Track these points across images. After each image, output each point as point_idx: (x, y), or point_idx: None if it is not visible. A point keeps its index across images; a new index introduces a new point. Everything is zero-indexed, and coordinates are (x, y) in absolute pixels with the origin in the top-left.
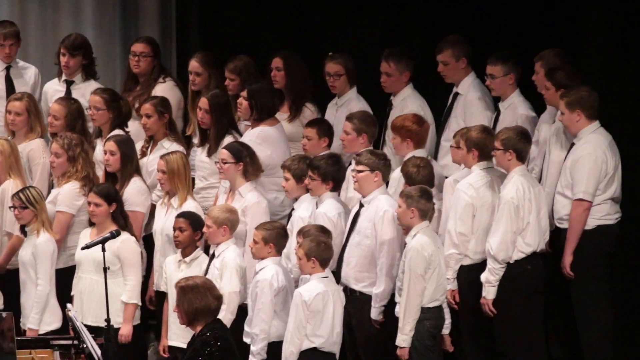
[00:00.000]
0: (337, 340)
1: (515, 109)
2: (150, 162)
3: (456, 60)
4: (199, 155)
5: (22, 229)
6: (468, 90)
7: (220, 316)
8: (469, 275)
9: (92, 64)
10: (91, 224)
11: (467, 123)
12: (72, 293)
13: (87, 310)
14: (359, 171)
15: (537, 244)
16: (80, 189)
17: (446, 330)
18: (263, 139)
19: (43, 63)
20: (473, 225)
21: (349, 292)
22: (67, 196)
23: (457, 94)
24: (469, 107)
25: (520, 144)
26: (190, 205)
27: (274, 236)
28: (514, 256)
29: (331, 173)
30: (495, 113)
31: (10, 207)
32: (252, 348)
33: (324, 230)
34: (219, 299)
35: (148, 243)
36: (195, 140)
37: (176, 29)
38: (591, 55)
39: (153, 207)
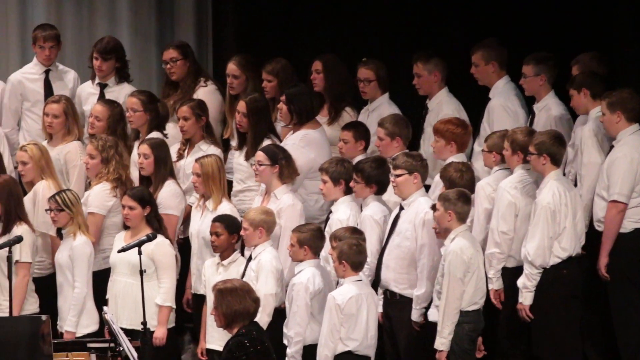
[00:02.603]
0: (372, 344)
1: (549, 110)
2: (187, 165)
3: (485, 63)
4: (237, 159)
5: (59, 231)
6: (494, 95)
7: (256, 318)
8: (512, 278)
9: (125, 67)
10: (125, 226)
11: (490, 128)
12: (107, 296)
13: (122, 313)
14: (397, 175)
15: (573, 249)
16: (111, 190)
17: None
18: (307, 142)
19: (79, 66)
20: (516, 226)
21: (389, 295)
22: (97, 197)
23: (489, 98)
24: (492, 113)
25: (554, 147)
26: (225, 208)
27: (309, 238)
28: (550, 261)
29: (375, 176)
30: (528, 117)
31: (46, 210)
32: (288, 351)
33: (356, 232)
34: (257, 301)
35: (184, 246)
36: (233, 143)
37: (212, 31)
38: (628, 58)
39: (189, 210)
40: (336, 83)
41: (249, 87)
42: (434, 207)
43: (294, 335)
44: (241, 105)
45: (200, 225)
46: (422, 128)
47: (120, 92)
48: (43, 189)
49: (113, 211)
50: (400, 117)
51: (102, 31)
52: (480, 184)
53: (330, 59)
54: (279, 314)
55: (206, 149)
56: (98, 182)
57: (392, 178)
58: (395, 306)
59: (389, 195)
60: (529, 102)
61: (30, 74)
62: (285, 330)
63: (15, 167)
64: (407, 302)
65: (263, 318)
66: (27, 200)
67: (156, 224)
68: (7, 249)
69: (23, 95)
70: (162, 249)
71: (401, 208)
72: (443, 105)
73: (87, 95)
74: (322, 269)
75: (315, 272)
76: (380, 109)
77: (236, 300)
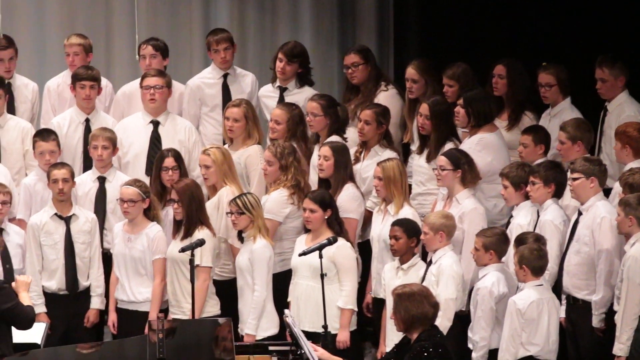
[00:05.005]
0: (553, 349)
1: None
2: (364, 169)
3: None
4: (418, 161)
5: (239, 235)
6: None
7: (437, 323)
8: None
9: (308, 73)
10: (306, 230)
11: None
12: (288, 299)
13: (303, 316)
14: (575, 179)
15: None
16: (289, 197)
17: None
18: (483, 146)
19: (261, 69)
20: None
21: (571, 300)
22: (274, 204)
23: None
24: None
25: None
26: (406, 212)
27: (495, 242)
28: None
29: (552, 176)
30: None
31: (227, 213)
32: (473, 355)
33: (538, 237)
34: (435, 306)
35: (364, 250)
36: (413, 147)
37: (394, 36)
38: None
39: (367, 214)
40: (519, 89)
41: (428, 90)
42: None
43: (479, 339)
44: (424, 108)
45: (382, 229)
46: (602, 130)
47: (301, 96)
48: (227, 195)
49: (291, 216)
50: (582, 121)
51: (284, 35)
52: None
53: (513, 64)
54: (459, 319)
55: (382, 153)
56: (276, 188)
57: (569, 182)
58: (577, 311)
59: (568, 200)
60: None
61: (208, 78)
62: (470, 334)
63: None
64: (589, 307)
65: (443, 322)
66: (210, 205)
67: (337, 227)
68: (189, 252)
69: (201, 99)
70: (343, 251)
71: (579, 213)
72: (624, 107)
73: (267, 98)
74: (506, 272)
75: (500, 276)
76: (562, 114)
77: (414, 305)
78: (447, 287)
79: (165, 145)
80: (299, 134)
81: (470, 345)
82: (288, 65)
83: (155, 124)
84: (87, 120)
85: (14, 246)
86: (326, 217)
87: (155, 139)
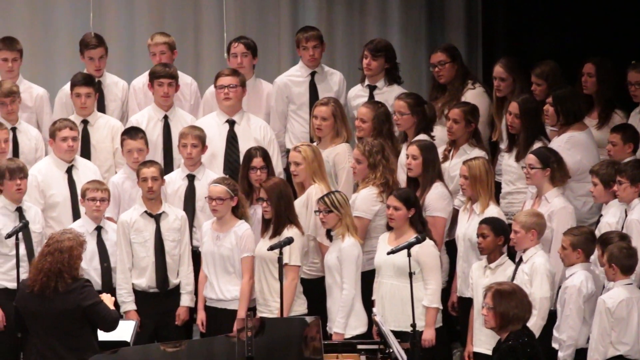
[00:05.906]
0: None
1: None
2: (452, 167)
3: None
4: (507, 160)
5: (328, 233)
6: None
7: (531, 321)
8: None
9: (395, 69)
10: (388, 228)
11: None
12: (372, 297)
13: (389, 315)
14: None
15: None
16: (378, 195)
17: None
18: (572, 144)
19: (350, 68)
20: None
21: None
22: (364, 202)
23: None
24: None
25: None
26: (492, 211)
27: (583, 241)
28: None
29: (639, 175)
30: None
31: (315, 212)
32: (560, 354)
33: (622, 237)
34: (530, 306)
35: (450, 248)
36: (502, 146)
37: (482, 34)
38: None
39: (455, 212)
40: (608, 87)
41: (516, 89)
42: None
43: (567, 338)
44: (513, 106)
45: (467, 228)
46: None
47: (390, 95)
48: (316, 194)
49: (380, 214)
50: None
51: (373, 33)
52: None
53: (603, 62)
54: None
55: (471, 151)
56: (365, 186)
57: None
58: None
59: None
60: None
61: (295, 76)
62: (556, 333)
63: (285, 169)
64: None
65: (538, 321)
66: (299, 203)
67: (420, 226)
68: (278, 251)
69: (289, 97)
70: (427, 250)
71: None
72: None
73: (356, 98)
74: (593, 272)
75: (588, 275)
76: None
77: (514, 303)
78: (542, 286)
79: (242, 144)
80: (385, 132)
81: (555, 345)
82: (374, 61)
83: (231, 123)
84: (166, 117)
85: (112, 244)
86: (410, 215)
87: (232, 138)
